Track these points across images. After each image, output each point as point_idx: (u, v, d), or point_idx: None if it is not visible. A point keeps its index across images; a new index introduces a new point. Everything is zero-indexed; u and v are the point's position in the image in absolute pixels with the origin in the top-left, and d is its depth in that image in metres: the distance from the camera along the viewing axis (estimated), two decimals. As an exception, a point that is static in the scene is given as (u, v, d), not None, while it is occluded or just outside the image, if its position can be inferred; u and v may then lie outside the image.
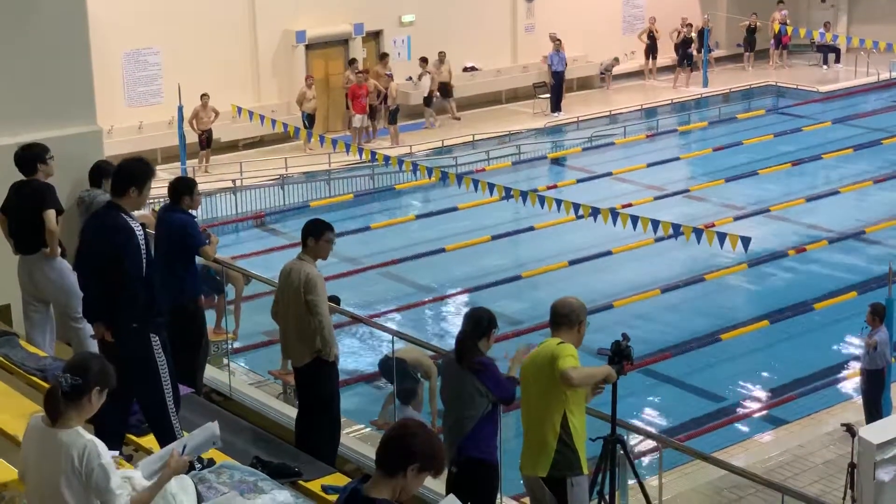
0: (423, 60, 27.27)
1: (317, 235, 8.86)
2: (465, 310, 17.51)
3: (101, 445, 5.45)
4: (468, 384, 7.60)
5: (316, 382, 8.92)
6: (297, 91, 25.38)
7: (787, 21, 32.49)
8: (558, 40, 28.63)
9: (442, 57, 27.57)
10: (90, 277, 7.65)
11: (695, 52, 31.34)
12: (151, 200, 18.05)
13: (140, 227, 7.49)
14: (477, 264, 19.06)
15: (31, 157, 9.60)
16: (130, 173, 7.51)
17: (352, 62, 26.46)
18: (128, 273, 7.36)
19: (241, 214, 21.67)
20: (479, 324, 7.69)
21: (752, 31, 32.63)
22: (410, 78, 27.39)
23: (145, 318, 7.45)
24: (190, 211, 9.86)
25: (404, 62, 27.70)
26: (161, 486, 5.71)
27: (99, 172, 10.28)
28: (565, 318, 7.13)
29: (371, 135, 26.02)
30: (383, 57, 27.09)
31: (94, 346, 8.01)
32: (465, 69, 28.58)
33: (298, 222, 21.08)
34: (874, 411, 12.92)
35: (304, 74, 25.82)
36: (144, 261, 7.46)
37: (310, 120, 25.14)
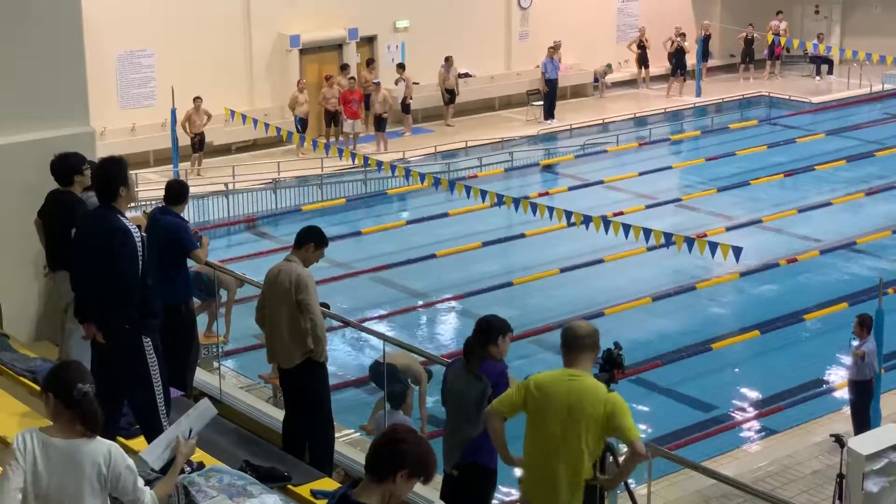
0: (401, 67, 27.23)
1: (318, 244, 8.87)
2: (455, 316, 17.74)
3: (120, 448, 5.46)
4: (473, 389, 7.65)
5: (306, 383, 8.90)
6: (291, 95, 25.38)
7: (785, 32, 32.53)
8: (553, 47, 28.67)
9: (450, 62, 27.59)
10: (84, 278, 7.64)
11: (688, 62, 31.43)
12: (144, 203, 18.10)
13: (136, 229, 7.49)
14: (468, 270, 19.06)
15: (67, 167, 9.44)
16: (114, 175, 7.51)
17: (343, 67, 26.46)
18: (123, 274, 7.36)
19: (233, 218, 21.64)
20: (482, 331, 7.81)
21: (749, 42, 32.72)
22: (397, 84, 27.31)
23: (139, 319, 7.44)
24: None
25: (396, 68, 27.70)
26: (177, 474, 5.75)
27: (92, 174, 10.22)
28: (587, 340, 6.70)
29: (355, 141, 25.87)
30: (370, 63, 27.10)
31: (82, 346, 7.97)
32: (459, 75, 28.60)
33: (290, 226, 21.28)
34: (862, 422, 12.94)
35: (297, 78, 25.82)
36: (140, 262, 7.45)
37: (302, 124, 25.14)
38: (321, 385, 9.00)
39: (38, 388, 8.84)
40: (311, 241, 8.88)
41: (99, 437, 5.41)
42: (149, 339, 7.50)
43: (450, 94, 28.02)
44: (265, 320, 9.01)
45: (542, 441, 6.71)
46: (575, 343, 6.71)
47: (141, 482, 5.44)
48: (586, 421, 6.58)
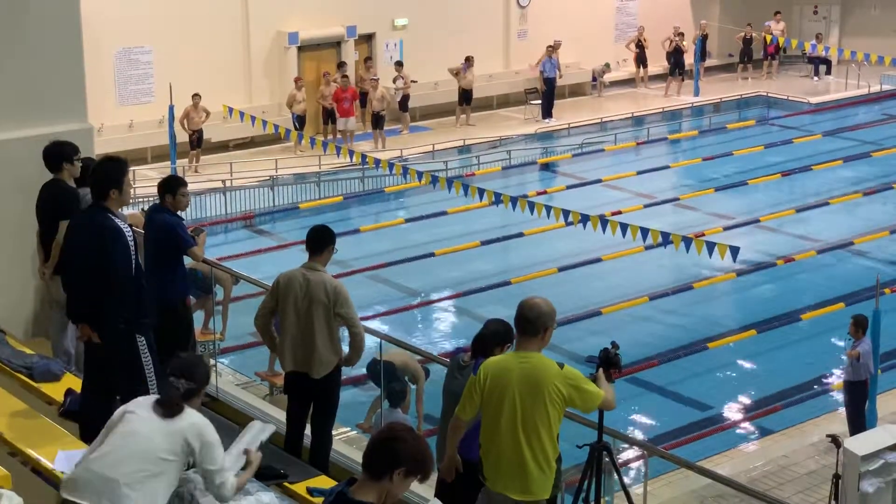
0: (399, 65, 27.21)
1: (333, 242, 8.78)
2: (453, 314, 17.73)
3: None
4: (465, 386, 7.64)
5: (330, 390, 8.82)
6: (288, 93, 25.36)
7: (782, 33, 32.52)
8: (552, 46, 28.68)
9: (470, 62, 27.54)
10: (76, 278, 7.62)
11: (686, 61, 31.44)
12: (141, 199, 18.10)
13: (128, 227, 7.48)
14: (466, 269, 19.06)
15: (57, 153, 9.39)
16: (107, 175, 7.50)
17: (340, 65, 26.45)
18: (116, 273, 7.35)
19: (231, 215, 21.64)
20: (482, 339, 7.77)
21: (748, 42, 32.73)
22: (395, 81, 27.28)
23: (133, 318, 7.43)
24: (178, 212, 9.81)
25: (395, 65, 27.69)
26: (251, 474, 6.64)
27: (86, 171, 10.17)
28: (531, 325, 6.73)
29: (349, 139, 25.84)
30: (367, 60, 27.09)
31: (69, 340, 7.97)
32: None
33: (288, 224, 21.31)
34: (858, 423, 12.95)
35: (296, 76, 25.81)
36: (133, 261, 7.44)
37: (300, 122, 25.13)
38: (339, 389, 8.98)
39: (34, 384, 8.86)
40: (329, 244, 8.75)
41: (188, 410, 6.02)
42: (143, 338, 7.49)
43: (466, 95, 27.94)
44: (266, 327, 8.84)
45: (505, 427, 6.72)
46: (524, 327, 6.74)
47: (229, 464, 6.28)
48: (542, 401, 6.61)
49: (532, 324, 6.71)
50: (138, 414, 6.01)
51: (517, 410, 6.66)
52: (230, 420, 9.65)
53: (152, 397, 6.17)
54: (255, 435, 6.65)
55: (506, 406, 6.69)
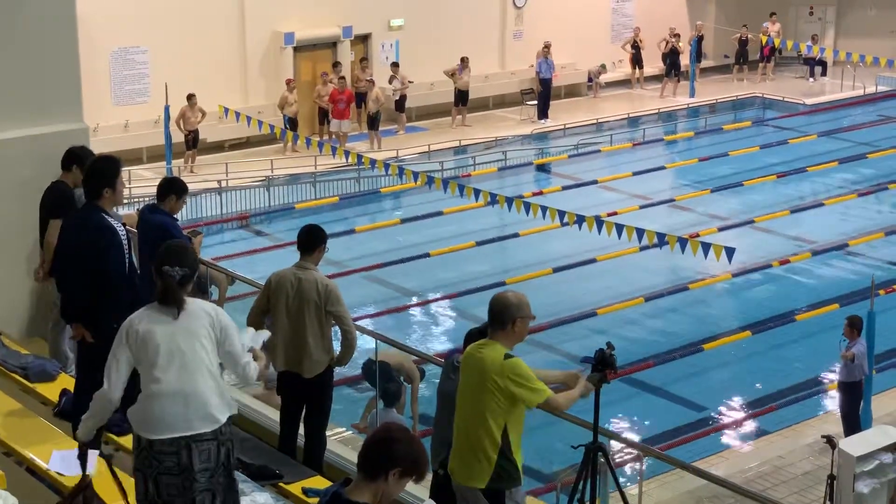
0: (395, 66, 27.20)
1: (324, 241, 8.78)
2: (448, 315, 17.72)
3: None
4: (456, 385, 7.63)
5: (323, 390, 8.82)
6: (280, 95, 25.29)
7: (779, 33, 32.56)
8: (547, 47, 28.70)
9: (465, 62, 27.56)
10: (70, 278, 7.61)
11: (682, 62, 31.47)
12: (137, 200, 18.09)
13: (122, 227, 7.47)
14: (461, 270, 19.07)
15: (71, 155, 9.32)
16: (101, 174, 7.49)
17: (335, 65, 26.43)
18: (110, 273, 7.34)
19: (226, 215, 21.64)
20: (471, 338, 7.77)
21: (743, 43, 32.75)
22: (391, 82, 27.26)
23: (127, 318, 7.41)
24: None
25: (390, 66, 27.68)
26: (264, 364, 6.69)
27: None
28: (497, 318, 6.75)
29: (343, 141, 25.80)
30: (363, 61, 27.08)
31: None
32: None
33: (283, 224, 21.30)
34: (853, 423, 12.97)
35: (291, 76, 25.80)
36: (127, 260, 7.43)
37: (291, 124, 25.05)
38: (332, 389, 8.98)
39: (29, 384, 8.85)
40: (320, 243, 8.75)
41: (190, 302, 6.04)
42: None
43: (462, 95, 27.94)
44: (258, 327, 8.83)
45: (458, 412, 6.89)
46: (490, 318, 6.80)
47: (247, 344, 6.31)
48: (484, 389, 6.67)
49: (498, 315, 6.75)
50: (156, 330, 5.97)
51: (465, 397, 6.81)
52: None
53: (152, 305, 6.07)
54: (253, 337, 6.58)
55: (461, 393, 6.87)
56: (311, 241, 8.69)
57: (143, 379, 6.02)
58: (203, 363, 5.98)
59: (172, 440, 5.90)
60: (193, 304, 6.07)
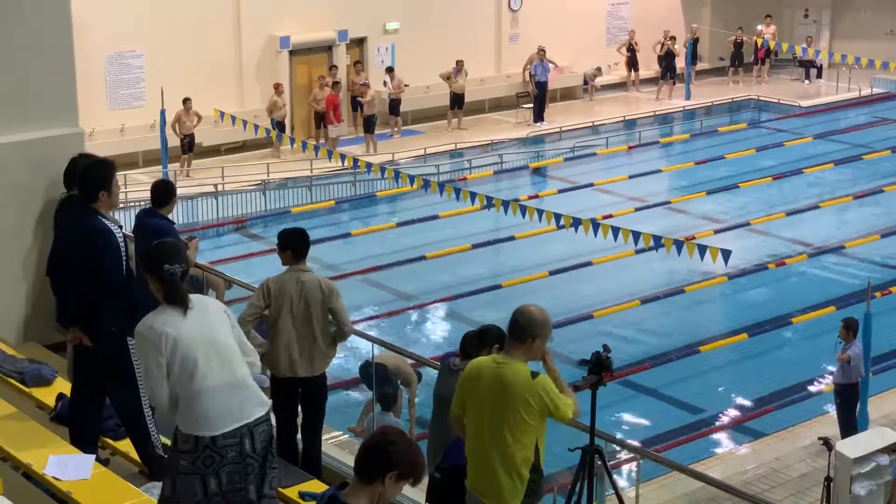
0: (390, 70, 27.18)
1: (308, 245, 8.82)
2: (445, 318, 17.72)
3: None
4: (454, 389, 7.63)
5: (322, 389, 8.85)
6: (269, 99, 25.26)
7: (774, 35, 32.59)
8: (543, 51, 28.73)
9: (461, 66, 27.55)
10: (66, 281, 7.59)
11: (677, 65, 31.50)
12: (133, 204, 18.07)
13: (118, 230, 7.46)
14: (457, 273, 19.07)
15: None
16: (96, 177, 7.48)
17: (331, 69, 26.42)
18: (108, 276, 7.32)
19: (223, 219, 21.64)
20: (467, 342, 7.79)
21: (739, 45, 32.79)
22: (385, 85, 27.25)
23: (125, 321, 7.41)
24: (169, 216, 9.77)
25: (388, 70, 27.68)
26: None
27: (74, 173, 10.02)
28: (519, 330, 6.60)
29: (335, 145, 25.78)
30: (357, 64, 27.08)
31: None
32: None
33: (279, 228, 21.09)
34: (849, 425, 12.98)
35: (287, 80, 25.80)
36: (124, 263, 7.42)
37: (280, 128, 24.98)
38: (326, 392, 9.00)
39: (25, 388, 8.84)
40: (308, 247, 8.78)
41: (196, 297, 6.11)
42: (133, 341, 7.47)
43: (458, 99, 27.94)
44: (281, 327, 8.84)
45: (475, 429, 6.69)
46: (512, 330, 6.65)
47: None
48: (512, 408, 6.53)
49: (520, 329, 6.62)
50: (182, 330, 5.97)
51: (485, 415, 6.62)
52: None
53: (162, 308, 6.05)
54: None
55: (477, 409, 6.68)
56: (307, 244, 8.73)
57: (182, 381, 5.96)
58: (234, 351, 6.09)
59: (235, 430, 5.95)
60: (195, 298, 6.13)
